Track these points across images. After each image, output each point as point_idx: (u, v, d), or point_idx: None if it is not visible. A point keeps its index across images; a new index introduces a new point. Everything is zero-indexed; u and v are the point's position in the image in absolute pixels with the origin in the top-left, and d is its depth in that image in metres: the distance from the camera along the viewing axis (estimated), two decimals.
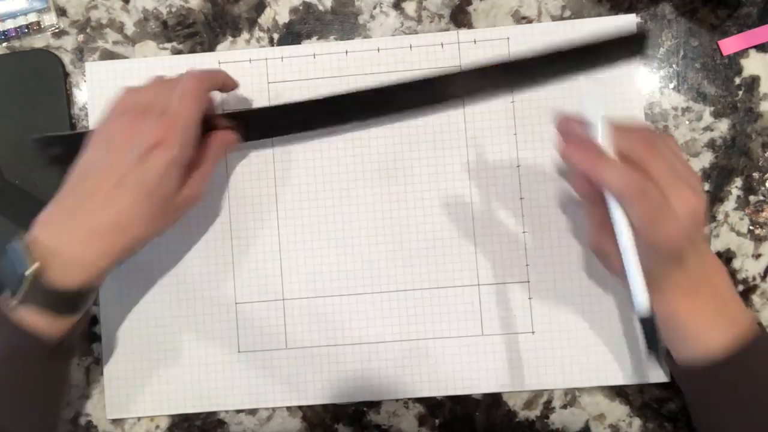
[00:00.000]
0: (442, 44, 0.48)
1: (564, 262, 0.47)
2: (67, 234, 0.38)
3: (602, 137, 0.37)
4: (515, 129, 0.47)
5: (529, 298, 0.47)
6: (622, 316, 0.46)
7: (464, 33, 0.48)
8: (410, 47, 0.48)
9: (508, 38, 0.48)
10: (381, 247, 0.47)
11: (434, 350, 0.47)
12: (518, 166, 0.47)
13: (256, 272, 0.47)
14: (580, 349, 0.46)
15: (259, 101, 0.48)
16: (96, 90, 0.49)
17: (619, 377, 0.46)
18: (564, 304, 0.47)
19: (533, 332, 0.47)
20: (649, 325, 0.37)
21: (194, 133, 0.40)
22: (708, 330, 0.38)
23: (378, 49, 0.48)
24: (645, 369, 0.46)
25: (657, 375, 0.46)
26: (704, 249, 0.40)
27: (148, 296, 0.48)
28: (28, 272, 0.36)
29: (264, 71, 0.48)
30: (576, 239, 0.47)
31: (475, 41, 0.48)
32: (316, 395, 0.47)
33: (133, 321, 0.47)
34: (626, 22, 0.47)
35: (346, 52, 0.48)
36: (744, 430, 0.38)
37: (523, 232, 0.47)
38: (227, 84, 0.45)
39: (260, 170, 0.48)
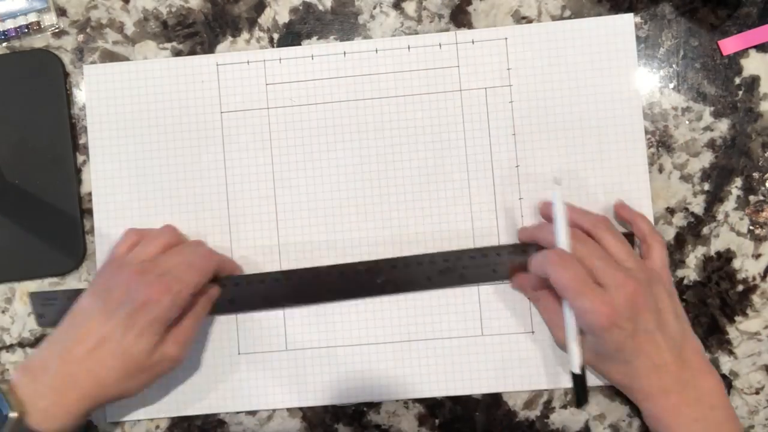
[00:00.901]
0: (440, 45, 0.48)
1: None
2: (45, 382, 0.40)
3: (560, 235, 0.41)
4: (514, 129, 0.47)
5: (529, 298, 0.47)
6: None
7: (462, 33, 0.48)
8: (408, 48, 0.48)
9: (506, 38, 0.48)
10: (380, 248, 0.47)
11: (434, 350, 0.47)
12: (517, 167, 0.47)
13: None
14: None
15: (258, 103, 0.48)
16: (94, 93, 0.48)
17: None
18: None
19: (533, 332, 0.47)
20: (578, 381, 0.40)
21: (186, 301, 0.42)
22: None
23: (376, 50, 0.48)
24: None
25: None
26: (690, 354, 0.41)
27: None
28: (11, 415, 0.38)
29: (262, 73, 0.48)
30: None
31: (473, 41, 0.48)
32: (316, 397, 0.47)
33: None
34: (624, 21, 0.47)
35: (344, 53, 0.48)
36: None
37: None
38: (233, 271, 0.47)
39: (258, 172, 0.48)
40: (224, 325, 0.47)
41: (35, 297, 0.47)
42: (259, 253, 0.47)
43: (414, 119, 0.48)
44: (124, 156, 0.48)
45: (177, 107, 0.48)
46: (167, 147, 0.48)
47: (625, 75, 0.47)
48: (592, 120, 0.47)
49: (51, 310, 0.47)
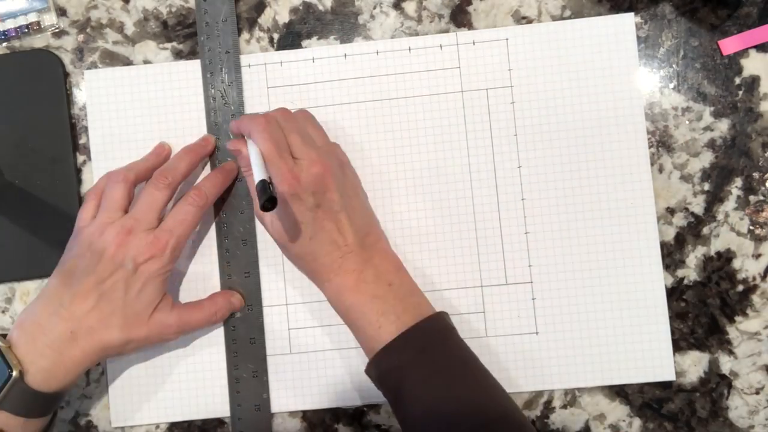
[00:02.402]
0: (441, 46, 0.48)
1: (567, 262, 0.47)
2: (43, 341, 0.40)
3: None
4: (515, 130, 0.47)
5: (533, 299, 0.47)
6: (626, 314, 0.46)
7: (463, 34, 0.48)
8: (409, 49, 0.48)
9: (507, 39, 0.48)
10: None
11: None
12: (519, 167, 0.47)
13: (258, 278, 0.47)
14: (583, 349, 0.46)
15: (259, 106, 0.48)
16: (95, 98, 0.48)
17: (623, 376, 0.46)
18: (567, 304, 0.47)
19: (537, 333, 0.47)
20: (261, 184, 0.38)
21: (181, 250, 0.43)
22: (376, 321, 0.41)
23: (377, 52, 0.48)
24: (648, 368, 0.46)
25: (661, 374, 0.46)
26: (372, 240, 0.43)
27: None
28: (13, 374, 0.38)
29: (263, 76, 0.48)
30: (578, 239, 0.47)
31: (474, 42, 0.48)
32: (321, 400, 0.47)
33: None
34: (624, 21, 0.47)
35: (345, 55, 0.48)
36: (418, 416, 0.39)
37: (526, 233, 0.47)
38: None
39: None
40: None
41: None
42: (262, 256, 0.47)
43: (415, 121, 0.48)
44: (126, 161, 0.48)
45: (179, 111, 0.48)
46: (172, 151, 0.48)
47: (626, 75, 0.47)
48: (594, 120, 0.47)
49: None
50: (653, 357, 0.46)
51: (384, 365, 0.40)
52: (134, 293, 0.41)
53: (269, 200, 0.37)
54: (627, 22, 0.47)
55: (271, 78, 0.48)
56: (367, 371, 0.42)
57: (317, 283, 0.44)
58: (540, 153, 0.47)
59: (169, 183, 0.43)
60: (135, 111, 0.48)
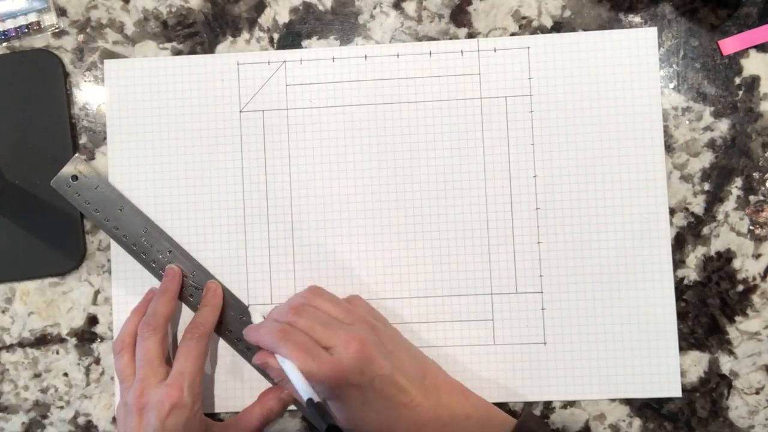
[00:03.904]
0: (462, 52, 0.48)
1: (578, 273, 0.47)
2: None
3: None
4: (533, 139, 0.47)
5: (542, 309, 0.47)
6: (635, 329, 0.46)
7: (484, 41, 0.48)
8: (430, 54, 0.48)
9: (528, 48, 0.48)
10: (394, 253, 0.47)
11: (445, 358, 0.46)
12: (534, 176, 0.47)
13: (269, 275, 0.47)
14: (591, 362, 0.46)
15: (277, 103, 0.48)
16: (114, 88, 0.49)
17: (629, 390, 0.46)
18: (576, 316, 0.46)
19: (545, 343, 0.46)
20: (312, 406, 0.38)
21: (200, 383, 0.43)
22: None
23: (398, 55, 0.48)
24: (655, 384, 0.46)
25: (668, 389, 0.46)
26: (431, 381, 0.42)
27: None
28: None
29: (282, 73, 0.48)
30: (590, 251, 0.47)
31: (495, 49, 0.48)
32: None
33: None
34: (647, 35, 0.47)
35: (366, 56, 0.48)
36: None
37: (538, 243, 0.47)
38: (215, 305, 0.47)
39: (275, 172, 0.48)
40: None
41: None
42: (273, 254, 0.48)
43: (433, 125, 0.48)
44: (141, 152, 0.48)
45: (196, 105, 0.48)
46: (185, 144, 0.48)
47: (646, 89, 0.47)
48: (612, 133, 0.47)
49: None
50: (660, 373, 0.46)
51: None
52: None
53: (330, 429, 0.37)
54: (650, 36, 0.47)
55: (290, 75, 0.48)
56: None
57: None
58: (556, 163, 0.47)
59: (155, 328, 0.43)
60: (153, 103, 0.48)
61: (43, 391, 0.48)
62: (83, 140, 0.49)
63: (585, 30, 0.48)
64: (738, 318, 0.47)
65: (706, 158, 0.47)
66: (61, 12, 0.49)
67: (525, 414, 0.43)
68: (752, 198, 0.47)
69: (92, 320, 0.48)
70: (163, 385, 0.41)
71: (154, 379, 0.42)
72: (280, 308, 0.44)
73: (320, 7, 0.49)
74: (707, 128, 0.47)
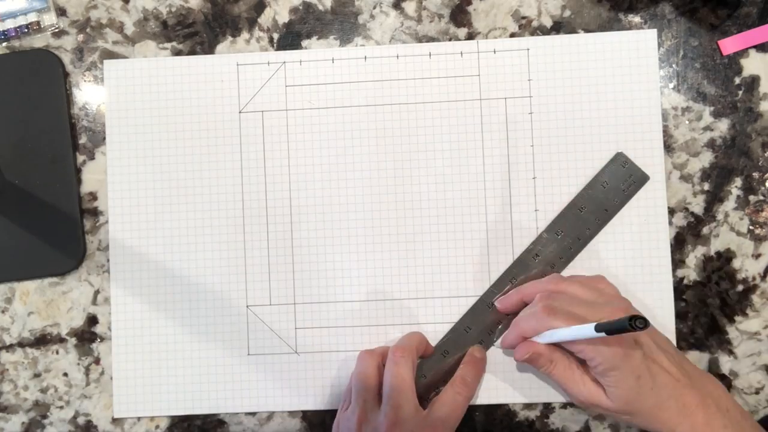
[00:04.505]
0: (461, 53, 0.48)
1: (576, 274, 0.46)
2: None
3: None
4: (532, 141, 0.47)
5: None
6: None
7: (484, 42, 0.48)
8: (429, 55, 0.48)
9: (528, 49, 0.48)
10: (393, 254, 0.47)
11: None
12: (534, 178, 0.47)
13: (268, 276, 0.47)
14: None
15: (277, 104, 0.48)
16: (113, 88, 0.49)
17: None
18: None
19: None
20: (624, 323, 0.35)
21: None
22: None
23: (397, 56, 0.48)
24: None
25: None
26: (688, 366, 0.41)
27: (161, 297, 0.48)
28: None
29: (282, 74, 0.48)
30: (588, 252, 0.47)
31: (494, 51, 0.48)
32: (324, 401, 0.47)
33: (144, 321, 0.48)
34: (647, 37, 0.47)
35: (365, 57, 0.48)
36: None
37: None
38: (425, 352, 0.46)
39: (275, 173, 0.48)
40: (235, 325, 0.47)
41: None
42: (272, 254, 0.48)
43: (432, 126, 0.48)
44: (141, 152, 0.48)
45: (195, 105, 0.48)
46: (184, 145, 0.48)
47: (646, 90, 0.47)
48: (611, 135, 0.47)
49: None
50: None
51: None
52: None
53: (640, 320, 0.34)
54: (650, 38, 0.47)
55: (290, 76, 0.48)
56: None
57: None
58: (555, 165, 0.47)
59: (405, 356, 0.43)
60: (152, 104, 0.48)
61: (43, 391, 0.48)
62: (83, 140, 0.49)
63: (585, 30, 0.48)
64: (738, 318, 0.47)
65: (706, 158, 0.47)
66: (61, 12, 0.49)
67: None
68: (752, 198, 0.47)
69: (92, 320, 0.48)
70: (424, 423, 0.41)
71: (408, 412, 0.41)
72: (525, 308, 0.43)
73: (320, 7, 0.49)
74: (707, 128, 0.47)
